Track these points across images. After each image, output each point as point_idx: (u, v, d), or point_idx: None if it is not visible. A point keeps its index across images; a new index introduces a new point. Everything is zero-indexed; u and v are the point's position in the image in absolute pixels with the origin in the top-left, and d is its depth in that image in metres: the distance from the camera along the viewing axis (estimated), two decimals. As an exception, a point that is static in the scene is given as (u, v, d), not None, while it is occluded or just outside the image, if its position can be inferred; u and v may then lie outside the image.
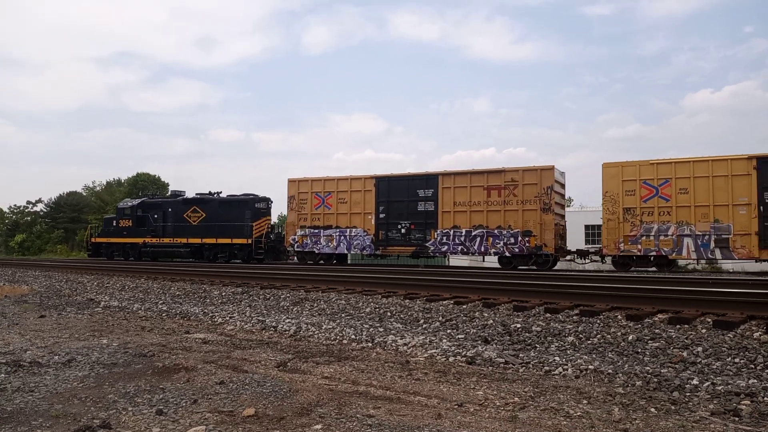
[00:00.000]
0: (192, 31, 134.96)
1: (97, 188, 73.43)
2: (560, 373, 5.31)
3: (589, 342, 6.36)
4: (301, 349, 6.66)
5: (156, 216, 29.68)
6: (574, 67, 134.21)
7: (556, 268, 20.80)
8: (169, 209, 29.37)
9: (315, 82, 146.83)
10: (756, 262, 17.58)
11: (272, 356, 6.21)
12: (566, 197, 22.34)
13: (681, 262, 20.60)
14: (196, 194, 29.71)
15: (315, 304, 9.95)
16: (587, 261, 20.46)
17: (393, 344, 6.77)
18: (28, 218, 68.43)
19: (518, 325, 7.19)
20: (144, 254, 29.84)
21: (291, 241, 24.76)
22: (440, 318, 8.05)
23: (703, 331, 6.40)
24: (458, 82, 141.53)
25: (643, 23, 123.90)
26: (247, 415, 4.04)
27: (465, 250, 21.19)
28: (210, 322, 9.12)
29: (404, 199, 22.32)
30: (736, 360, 5.35)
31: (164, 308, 10.68)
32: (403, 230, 22.30)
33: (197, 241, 28.09)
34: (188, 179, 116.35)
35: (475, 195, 20.99)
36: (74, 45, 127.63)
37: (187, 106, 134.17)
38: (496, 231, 20.47)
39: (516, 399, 4.44)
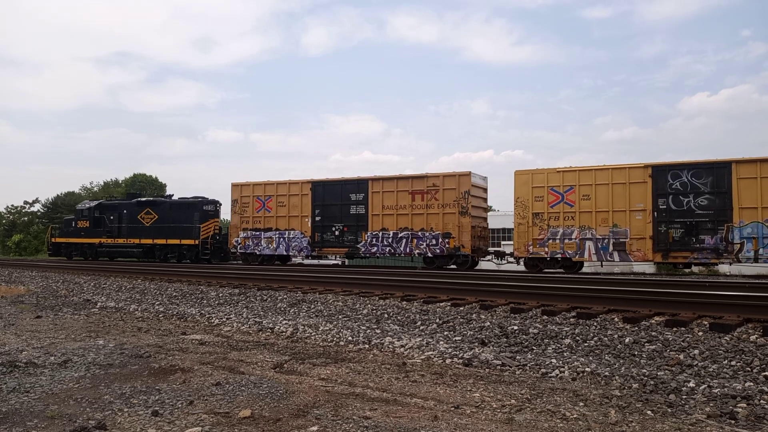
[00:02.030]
0: (190, 32, 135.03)
1: (95, 189, 73.29)
2: (557, 375, 5.31)
3: (585, 344, 6.36)
4: (297, 351, 6.65)
5: (112, 217, 30.76)
6: (572, 69, 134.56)
7: (478, 268, 22.08)
8: (124, 211, 30.46)
9: (313, 83, 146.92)
10: (654, 264, 18.72)
11: (269, 358, 6.20)
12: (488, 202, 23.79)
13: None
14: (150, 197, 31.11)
15: (312, 306, 9.94)
16: (504, 262, 21.67)
17: (390, 346, 6.77)
18: (25, 218, 68.22)
19: (515, 328, 7.19)
20: (100, 254, 30.97)
21: (234, 243, 25.78)
22: (437, 320, 8.04)
23: (700, 333, 6.41)
24: (457, 84, 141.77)
25: (641, 26, 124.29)
26: (243, 416, 4.03)
27: (392, 251, 22.41)
28: (207, 323, 9.10)
29: (338, 203, 23.47)
30: (733, 363, 5.35)
31: (161, 309, 10.66)
32: (336, 232, 23.44)
33: (149, 241, 29.21)
34: (186, 180, 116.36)
35: (401, 199, 22.19)
36: (73, 45, 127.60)
37: (185, 107, 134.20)
38: (419, 233, 21.65)
39: (513, 401, 4.44)
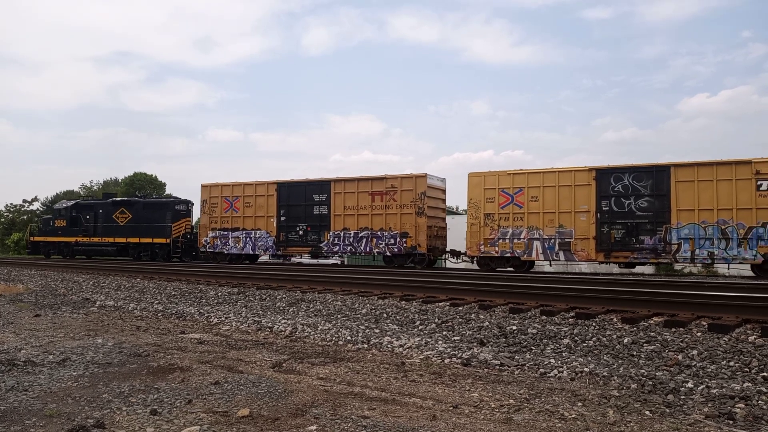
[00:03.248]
0: (191, 32, 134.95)
1: (95, 188, 73.24)
2: (555, 375, 5.32)
3: (584, 344, 6.36)
4: (296, 350, 6.65)
5: (88, 217, 31.55)
6: (572, 70, 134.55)
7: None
8: (100, 210, 31.26)
9: (313, 83, 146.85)
10: (599, 264, 19.69)
11: (268, 357, 6.20)
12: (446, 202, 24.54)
13: (677, 266, 21.13)
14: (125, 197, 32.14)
15: (311, 305, 9.94)
16: (459, 260, 22.47)
17: (389, 346, 6.77)
18: (25, 217, 68.16)
19: (514, 328, 7.20)
20: (77, 252, 31.64)
21: (203, 242, 26.51)
22: (436, 320, 8.04)
23: (699, 334, 6.42)
24: (457, 85, 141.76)
25: (642, 27, 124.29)
26: (241, 415, 4.03)
27: (353, 250, 23.20)
28: (206, 322, 9.10)
29: (302, 204, 24.17)
30: (731, 363, 5.36)
31: (160, 308, 10.65)
32: (300, 232, 24.16)
33: (123, 240, 30.06)
34: (186, 179, 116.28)
35: (361, 200, 22.84)
36: (73, 44, 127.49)
37: (185, 106, 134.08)
38: (379, 233, 22.36)
39: (511, 401, 4.44)
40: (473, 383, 5.02)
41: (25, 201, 69.45)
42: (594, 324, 7.20)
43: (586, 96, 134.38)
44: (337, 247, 23.30)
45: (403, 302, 9.56)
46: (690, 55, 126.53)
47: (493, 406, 4.32)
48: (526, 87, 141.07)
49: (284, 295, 11.13)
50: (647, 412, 4.13)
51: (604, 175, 18.70)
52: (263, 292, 11.82)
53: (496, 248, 20.06)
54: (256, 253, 25.44)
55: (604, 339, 6.47)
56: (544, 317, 7.79)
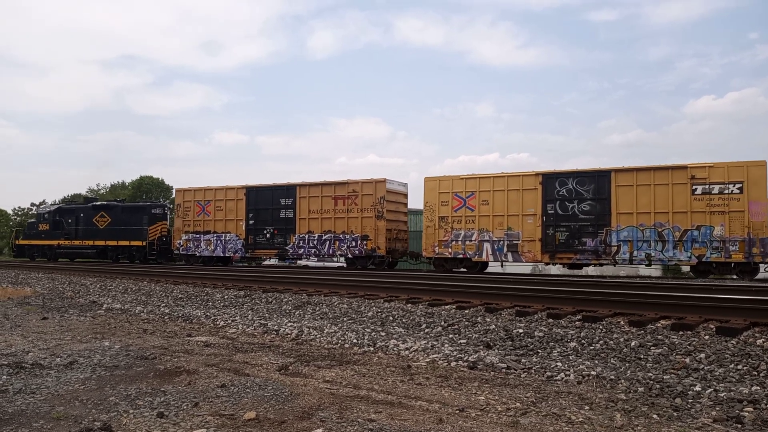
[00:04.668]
0: (197, 35, 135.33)
1: (101, 191, 73.58)
2: (562, 378, 5.30)
3: (591, 348, 6.34)
4: (302, 353, 6.66)
5: (70, 220, 32.50)
6: (577, 72, 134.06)
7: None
8: (81, 214, 32.20)
9: (319, 86, 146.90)
10: (546, 265, 20.58)
11: (274, 360, 6.21)
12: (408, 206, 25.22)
13: (684, 269, 21.25)
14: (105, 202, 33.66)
15: (317, 308, 9.95)
16: (418, 262, 23.32)
17: (395, 349, 6.76)
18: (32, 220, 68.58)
19: (520, 331, 7.18)
20: (59, 255, 32.68)
21: (177, 245, 27.32)
22: (442, 323, 8.03)
23: (706, 337, 6.38)
24: (462, 87, 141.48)
25: (647, 29, 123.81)
26: (248, 418, 4.04)
27: (317, 252, 23.74)
28: (212, 325, 9.12)
29: (269, 207, 24.89)
30: (739, 367, 5.32)
31: (166, 311, 10.68)
32: (268, 235, 24.89)
33: (102, 243, 31.08)
34: (192, 182, 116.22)
35: (325, 204, 23.53)
36: (79, 48, 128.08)
37: (191, 110, 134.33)
38: (341, 235, 23.02)
39: (518, 404, 4.43)
40: (480, 386, 5.01)
41: (33, 204, 69.81)
42: (601, 327, 7.17)
43: (591, 98, 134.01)
44: (302, 250, 24.05)
45: (409, 305, 9.56)
46: (696, 57, 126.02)
47: (499, 409, 4.31)
48: (531, 89, 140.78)
49: (290, 298, 11.14)
50: (655, 416, 4.11)
51: (549, 180, 19.42)
52: (269, 295, 11.84)
53: (450, 250, 20.78)
54: (227, 255, 26.20)
55: (611, 342, 6.44)
56: (550, 320, 7.77)
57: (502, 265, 21.47)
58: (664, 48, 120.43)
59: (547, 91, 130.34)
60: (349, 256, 22.97)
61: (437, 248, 21.02)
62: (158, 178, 68.93)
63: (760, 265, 17.17)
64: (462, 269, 20.76)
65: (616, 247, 18.38)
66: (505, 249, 19.90)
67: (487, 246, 20.21)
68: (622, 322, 7.30)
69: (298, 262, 28.61)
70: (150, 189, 64.31)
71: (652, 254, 17.97)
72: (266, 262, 29.92)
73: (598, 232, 18.68)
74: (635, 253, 18.12)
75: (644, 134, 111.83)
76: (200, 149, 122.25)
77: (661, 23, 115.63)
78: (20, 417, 4.09)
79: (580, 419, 4.04)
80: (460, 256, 20.68)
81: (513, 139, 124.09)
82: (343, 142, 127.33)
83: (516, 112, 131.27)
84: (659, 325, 7.10)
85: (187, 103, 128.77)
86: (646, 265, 19.08)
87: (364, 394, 4.76)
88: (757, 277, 17.65)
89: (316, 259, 25.72)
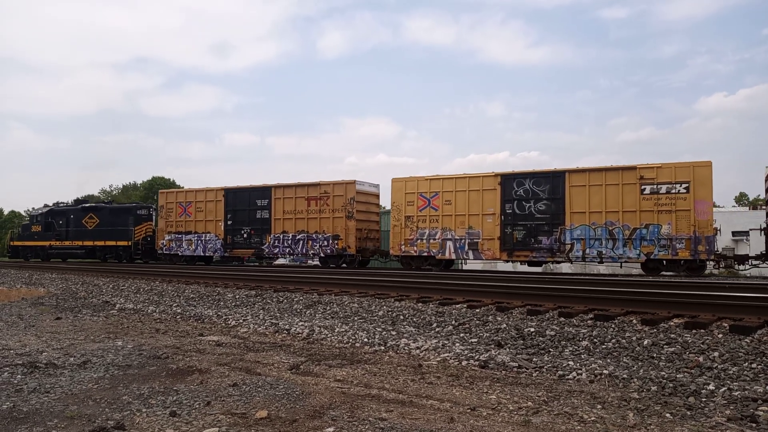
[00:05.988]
0: (208, 37, 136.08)
1: (114, 192, 74.10)
2: (574, 377, 5.27)
3: (603, 346, 6.31)
4: (313, 352, 6.67)
5: (61, 222, 33.80)
6: (588, 70, 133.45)
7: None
8: (71, 216, 33.39)
9: (329, 86, 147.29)
10: (505, 262, 21.32)
11: (285, 359, 6.23)
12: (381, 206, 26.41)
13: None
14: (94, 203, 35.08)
15: (328, 307, 9.96)
16: (387, 260, 24.00)
17: (406, 348, 6.76)
18: (46, 221, 69.18)
19: (532, 329, 7.15)
20: (51, 255, 34.03)
21: (161, 245, 28.34)
22: (453, 322, 8.02)
23: (720, 336, 6.33)
24: (472, 86, 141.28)
25: (659, 26, 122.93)
26: (259, 417, 4.05)
27: (291, 251, 24.60)
28: (223, 324, 9.16)
29: (246, 208, 25.74)
30: (753, 365, 5.27)
31: (178, 311, 10.75)
32: (245, 235, 25.77)
33: (90, 243, 32.24)
34: (204, 183, 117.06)
35: (299, 204, 24.34)
36: (92, 51, 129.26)
37: (202, 111, 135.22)
38: (314, 235, 23.84)
39: (529, 403, 4.42)
40: (491, 385, 5.00)
41: (45, 206, 70.46)
42: (613, 326, 7.13)
43: (602, 96, 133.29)
44: (277, 249, 24.78)
45: (420, 304, 9.55)
46: (709, 54, 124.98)
47: (511, 408, 4.30)
48: (542, 88, 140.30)
49: (301, 298, 11.17)
50: (668, 415, 4.08)
51: (508, 181, 20.14)
52: (280, 294, 11.87)
53: (415, 248, 21.62)
54: (207, 254, 27.00)
55: (624, 341, 6.41)
56: (562, 319, 7.74)
57: (464, 263, 22.29)
58: (676, 45, 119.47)
59: (558, 90, 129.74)
60: (322, 255, 23.69)
61: (404, 246, 21.81)
62: (170, 179, 69.40)
63: (707, 262, 17.67)
64: (428, 267, 21.43)
65: (569, 245, 19.04)
66: (467, 247, 20.67)
67: (449, 244, 20.96)
68: (634, 321, 7.26)
69: (274, 262, 29.24)
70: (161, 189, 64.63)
71: (604, 252, 18.60)
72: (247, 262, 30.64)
73: (553, 230, 19.37)
74: (588, 251, 18.78)
75: (656, 132, 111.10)
76: (211, 150, 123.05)
77: (672, 20, 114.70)
78: (35, 416, 4.13)
79: (593, 418, 4.02)
80: (425, 254, 21.47)
81: (524, 138, 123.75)
82: (353, 142, 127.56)
83: (527, 111, 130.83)
84: (672, 323, 7.05)
85: (199, 105, 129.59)
86: (598, 263, 19.63)
87: (375, 393, 4.76)
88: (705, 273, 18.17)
89: (291, 258, 26.75)
